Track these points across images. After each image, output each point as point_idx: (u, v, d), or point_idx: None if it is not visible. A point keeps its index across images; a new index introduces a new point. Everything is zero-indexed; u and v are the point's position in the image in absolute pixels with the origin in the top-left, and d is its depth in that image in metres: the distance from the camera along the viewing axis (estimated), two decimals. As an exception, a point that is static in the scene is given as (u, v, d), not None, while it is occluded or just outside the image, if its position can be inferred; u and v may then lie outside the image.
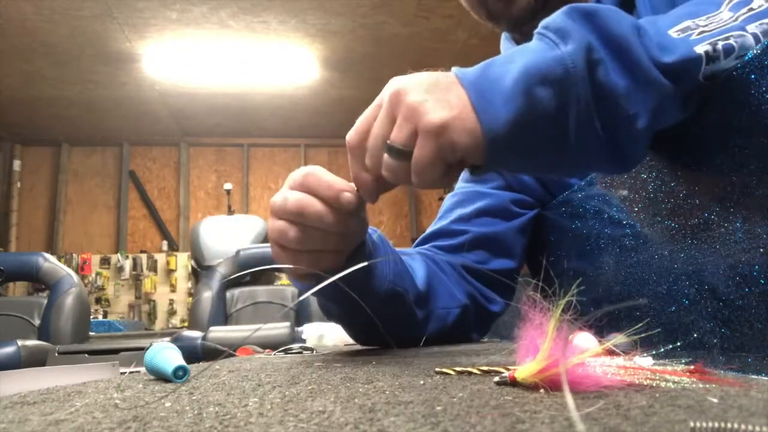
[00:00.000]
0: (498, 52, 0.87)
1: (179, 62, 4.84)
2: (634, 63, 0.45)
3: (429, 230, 0.93)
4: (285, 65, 4.95)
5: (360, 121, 0.50)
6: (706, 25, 0.46)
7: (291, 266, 0.56)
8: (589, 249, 0.72)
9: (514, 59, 0.46)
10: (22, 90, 5.28)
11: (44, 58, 4.73)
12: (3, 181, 6.23)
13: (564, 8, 0.47)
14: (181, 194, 6.56)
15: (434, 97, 0.45)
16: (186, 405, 0.31)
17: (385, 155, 0.47)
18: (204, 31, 4.45)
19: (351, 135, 0.50)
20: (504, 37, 0.88)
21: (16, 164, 6.32)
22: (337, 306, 0.68)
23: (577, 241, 0.76)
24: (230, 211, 5.25)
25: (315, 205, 0.53)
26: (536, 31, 0.47)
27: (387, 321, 0.70)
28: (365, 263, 0.53)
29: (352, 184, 0.54)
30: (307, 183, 0.54)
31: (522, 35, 0.78)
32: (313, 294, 0.63)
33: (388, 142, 0.47)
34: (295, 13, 4.22)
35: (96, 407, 0.31)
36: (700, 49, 0.45)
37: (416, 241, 0.93)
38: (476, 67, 0.48)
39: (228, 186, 5.61)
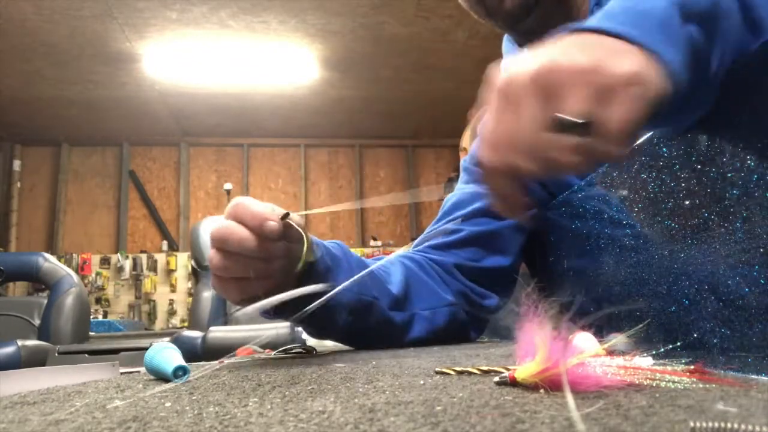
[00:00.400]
0: (498, 53, 0.87)
1: (179, 62, 4.84)
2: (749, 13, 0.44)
3: (427, 230, 0.93)
4: (285, 65, 4.95)
5: (494, 128, 0.40)
6: None
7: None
8: (589, 249, 0.72)
9: (651, 3, 0.41)
10: (22, 90, 5.28)
11: (44, 58, 4.73)
12: (3, 181, 6.23)
13: None
14: (181, 194, 6.56)
15: (602, 52, 0.38)
16: (186, 405, 0.31)
17: (555, 139, 0.38)
18: (204, 31, 4.44)
19: (486, 152, 0.41)
20: (506, 38, 0.88)
21: (16, 164, 6.32)
22: (307, 326, 0.71)
23: (577, 241, 0.76)
24: (230, 211, 5.24)
25: (237, 231, 0.54)
26: None
27: (363, 329, 0.72)
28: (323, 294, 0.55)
29: (278, 212, 0.56)
30: (235, 212, 0.55)
31: (519, 34, 0.78)
32: (281, 319, 0.66)
33: (559, 116, 0.37)
34: (295, 13, 4.22)
35: (96, 407, 0.31)
36: None
37: (415, 242, 0.94)
38: (609, 9, 0.42)
39: (228, 186, 5.61)
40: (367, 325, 0.72)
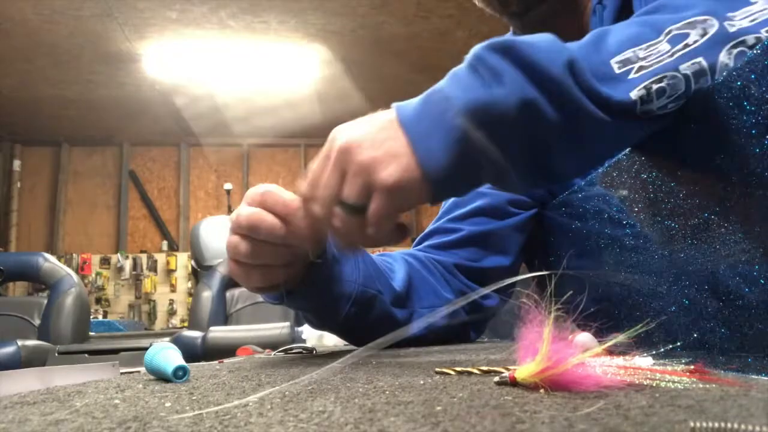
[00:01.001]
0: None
1: (179, 62, 4.84)
2: (568, 102, 0.46)
3: (426, 229, 0.93)
4: (285, 65, 4.95)
5: (311, 173, 0.51)
6: (645, 58, 0.48)
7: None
8: (589, 249, 0.72)
9: (450, 95, 0.47)
10: (22, 90, 5.28)
11: (44, 58, 4.73)
12: (3, 181, 6.23)
13: (493, 43, 0.47)
14: (181, 194, 6.56)
15: (382, 151, 0.46)
16: (186, 405, 0.31)
17: (338, 210, 0.49)
18: (204, 31, 4.45)
19: (305, 188, 0.51)
20: (510, 35, 0.88)
21: (16, 164, 6.33)
22: (311, 314, 0.71)
23: (577, 241, 0.76)
24: (230, 211, 5.24)
25: (268, 219, 0.54)
26: (469, 61, 0.48)
27: (364, 324, 0.73)
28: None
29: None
30: (264, 199, 0.55)
31: (526, 27, 0.78)
32: (286, 305, 0.67)
33: (342, 198, 0.48)
34: (295, 13, 4.22)
35: (96, 407, 0.31)
36: (636, 94, 0.47)
37: (415, 241, 0.94)
38: (416, 103, 0.49)
39: (228, 186, 5.61)
40: (369, 318, 0.72)
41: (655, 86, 0.47)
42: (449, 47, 4.72)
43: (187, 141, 6.61)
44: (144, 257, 6.31)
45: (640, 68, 0.48)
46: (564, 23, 0.77)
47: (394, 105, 0.50)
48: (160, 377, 0.44)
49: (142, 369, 0.47)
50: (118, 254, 6.27)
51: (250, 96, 5.54)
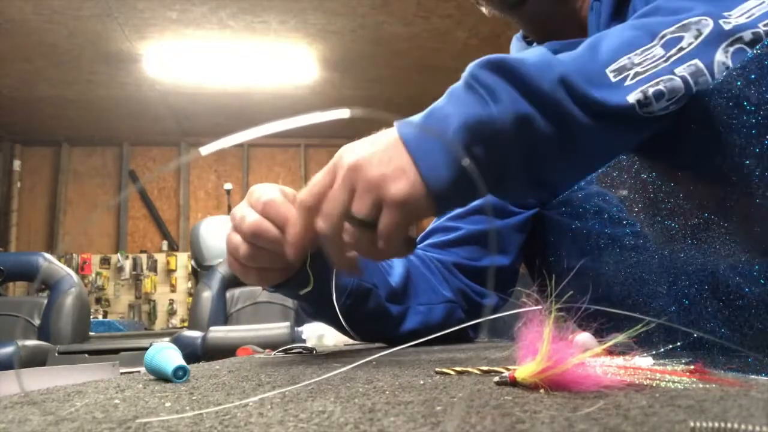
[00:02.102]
0: (497, 53, 0.87)
1: (179, 62, 4.83)
2: (562, 116, 0.47)
3: (427, 228, 0.94)
4: (285, 65, 4.94)
5: (314, 184, 0.52)
6: (640, 63, 0.48)
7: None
8: (589, 249, 0.72)
9: (449, 113, 0.49)
10: (22, 90, 5.28)
11: (44, 58, 4.73)
12: (3, 181, 6.23)
13: (487, 61, 0.49)
14: (181, 194, 6.56)
15: (390, 168, 0.48)
16: (186, 405, 0.31)
17: (347, 226, 0.51)
18: (204, 31, 4.44)
19: (305, 197, 0.52)
20: (516, 38, 0.88)
21: (16, 164, 6.32)
22: (308, 305, 0.72)
23: (577, 241, 0.75)
24: (230, 211, 5.24)
25: (269, 231, 0.55)
26: (465, 79, 0.50)
27: (359, 316, 0.74)
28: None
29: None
30: (267, 211, 0.56)
31: (522, 19, 0.79)
32: (283, 294, 0.68)
33: (353, 213, 0.49)
34: (295, 13, 4.22)
35: (96, 407, 0.31)
36: (633, 98, 0.47)
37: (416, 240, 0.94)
38: (416, 124, 0.50)
39: (228, 186, 5.60)
40: (364, 311, 0.74)
41: (651, 90, 0.47)
42: (449, 47, 4.72)
43: (187, 141, 6.61)
44: (144, 257, 6.31)
45: (636, 74, 0.48)
46: (563, 19, 0.77)
47: (396, 124, 0.51)
48: (160, 377, 0.44)
49: (142, 369, 0.47)
50: (118, 254, 6.27)
51: (250, 96, 5.53)
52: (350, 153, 0.50)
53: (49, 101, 5.54)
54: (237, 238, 0.57)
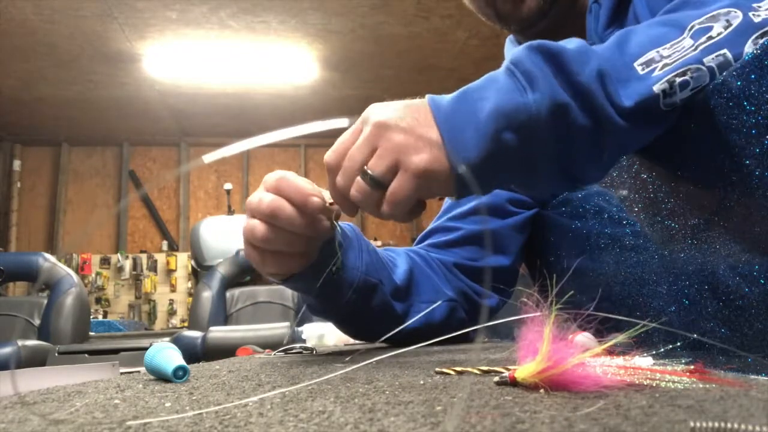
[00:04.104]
0: (498, 52, 0.87)
1: (179, 62, 4.83)
2: (596, 109, 0.47)
3: (427, 228, 0.94)
4: (285, 65, 4.94)
5: (339, 143, 0.52)
6: (669, 56, 0.49)
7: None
8: (589, 249, 0.72)
9: (485, 96, 0.48)
10: (22, 90, 5.28)
11: (44, 58, 4.73)
12: (3, 181, 6.23)
13: (533, 45, 0.49)
14: (181, 194, 6.56)
15: (416, 135, 0.48)
16: (186, 405, 0.31)
17: (359, 179, 0.50)
18: (204, 31, 4.44)
19: (329, 155, 0.53)
20: (509, 39, 0.88)
21: (16, 164, 6.32)
22: (315, 300, 0.71)
23: (577, 241, 0.75)
24: (230, 211, 5.24)
25: (287, 208, 0.55)
26: (507, 65, 0.49)
27: (364, 312, 0.74)
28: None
29: (321, 190, 0.58)
30: (280, 187, 0.56)
31: (528, 37, 0.78)
32: (291, 287, 0.68)
33: (367, 168, 0.49)
34: (295, 13, 4.22)
35: (96, 407, 0.31)
36: (658, 88, 0.48)
37: (416, 240, 0.94)
38: (450, 99, 0.50)
39: (228, 186, 5.60)
40: (368, 307, 0.73)
41: (678, 79, 0.47)
42: (449, 47, 4.72)
43: (187, 141, 6.61)
44: (144, 257, 6.31)
45: (664, 66, 0.48)
46: (566, 29, 0.77)
47: (429, 97, 0.51)
48: (160, 377, 0.44)
49: (142, 369, 0.47)
50: (118, 254, 6.27)
51: (250, 96, 5.53)
52: (379, 111, 0.50)
53: (49, 101, 5.54)
54: (254, 222, 0.57)
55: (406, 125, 0.48)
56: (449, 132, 0.48)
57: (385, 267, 0.77)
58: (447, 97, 0.50)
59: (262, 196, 0.56)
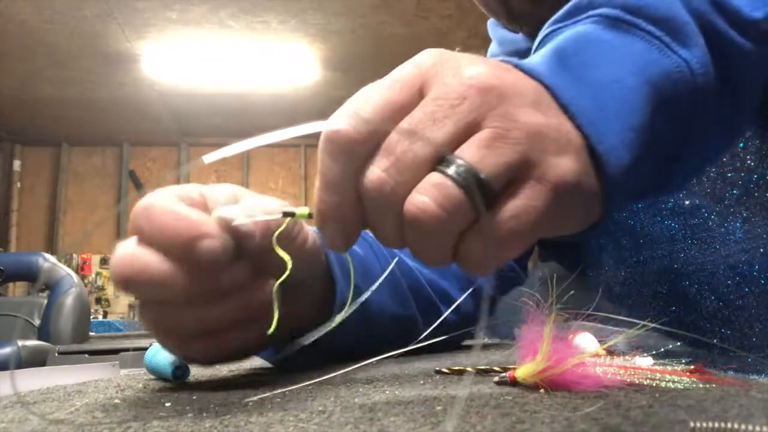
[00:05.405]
0: (498, 52, 0.86)
1: (179, 62, 4.83)
2: (723, 50, 0.35)
3: None
4: (285, 65, 4.94)
5: (377, 102, 0.30)
6: None
7: None
8: (588, 248, 0.72)
9: (621, 64, 0.32)
10: (22, 90, 5.28)
11: (44, 58, 4.72)
12: (3, 181, 6.23)
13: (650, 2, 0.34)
14: (181, 194, 6.56)
15: (555, 125, 0.28)
16: (186, 405, 0.31)
17: (436, 177, 0.27)
18: (204, 31, 4.44)
19: (354, 124, 0.30)
20: (491, 23, 0.84)
21: (16, 164, 6.32)
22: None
23: (577, 241, 0.75)
24: (230, 211, 5.24)
25: (148, 268, 0.32)
26: (602, 13, 0.34)
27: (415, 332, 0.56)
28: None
29: (224, 216, 0.34)
30: (138, 226, 0.35)
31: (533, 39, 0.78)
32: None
33: (475, 169, 0.26)
34: (295, 13, 4.22)
35: (96, 407, 0.31)
36: None
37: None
38: (561, 73, 0.31)
39: (228, 186, 5.60)
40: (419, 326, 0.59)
41: None
42: (449, 47, 4.68)
43: (187, 141, 6.61)
44: (144, 257, 6.31)
45: None
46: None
47: (528, 66, 0.31)
48: (160, 377, 0.44)
49: (142, 369, 0.47)
50: (118, 254, 6.27)
51: (250, 96, 5.53)
52: (472, 65, 0.30)
53: (49, 101, 5.54)
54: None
55: (532, 102, 0.28)
56: (594, 126, 0.29)
57: (420, 281, 0.63)
58: (565, 78, 0.31)
59: (118, 251, 0.34)
